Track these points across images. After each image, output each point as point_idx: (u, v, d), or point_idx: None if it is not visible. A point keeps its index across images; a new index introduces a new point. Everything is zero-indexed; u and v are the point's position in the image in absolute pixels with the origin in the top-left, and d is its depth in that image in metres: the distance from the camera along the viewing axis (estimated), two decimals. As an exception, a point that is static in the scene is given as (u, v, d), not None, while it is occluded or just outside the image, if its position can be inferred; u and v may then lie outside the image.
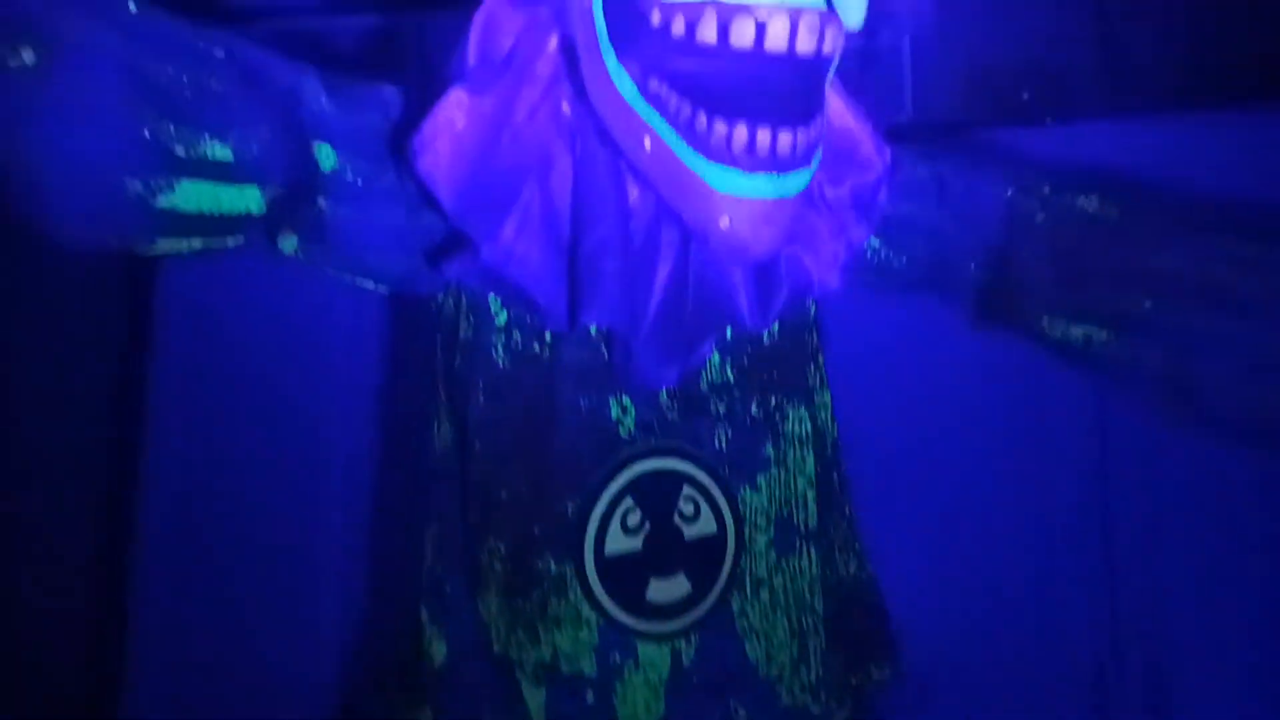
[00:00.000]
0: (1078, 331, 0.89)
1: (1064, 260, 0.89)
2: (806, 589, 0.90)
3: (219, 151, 0.69)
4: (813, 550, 0.90)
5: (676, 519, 0.85)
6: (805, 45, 0.69)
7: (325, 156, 0.76)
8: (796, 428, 0.91)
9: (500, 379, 0.86)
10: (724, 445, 0.87)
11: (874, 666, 1.00)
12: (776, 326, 0.90)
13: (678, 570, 0.85)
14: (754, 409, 0.89)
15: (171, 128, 0.66)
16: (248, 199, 0.71)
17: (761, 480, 0.88)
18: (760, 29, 0.69)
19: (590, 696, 0.84)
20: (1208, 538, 1.39)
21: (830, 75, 0.76)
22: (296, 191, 0.75)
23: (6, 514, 1.49)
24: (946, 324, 1.00)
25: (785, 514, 0.89)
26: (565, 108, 0.81)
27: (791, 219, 0.77)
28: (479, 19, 0.79)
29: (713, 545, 0.86)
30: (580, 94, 0.80)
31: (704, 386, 0.88)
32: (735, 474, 0.87)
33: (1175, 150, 1.49)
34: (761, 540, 0.88)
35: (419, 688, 0.91)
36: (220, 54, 0.70)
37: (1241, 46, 1.61)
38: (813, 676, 0.90)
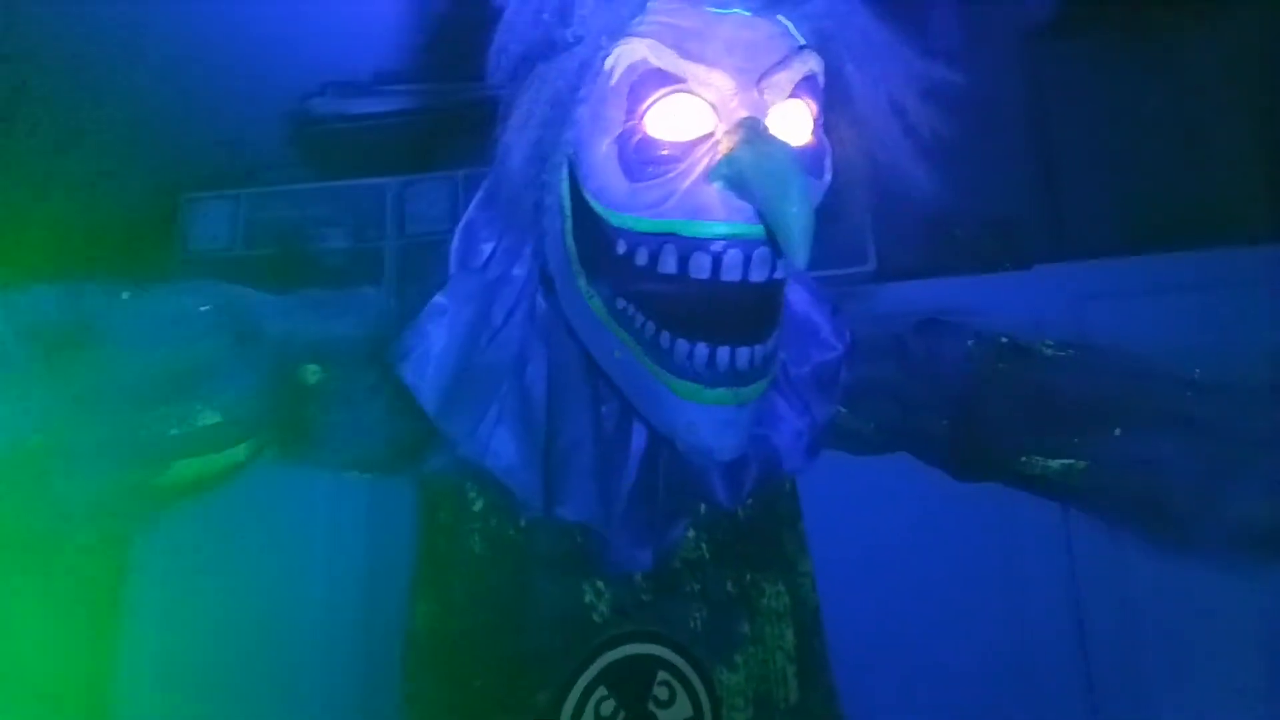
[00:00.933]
0: (1056, 465, 0.90)
1: (1033, 402, 0.92)
2: None
3: (209, 418, 0.76)
4: None
5: (651, 705, 0.85)
6: (757, 275, 0.74)
7: (311, 374, 0.82)
8: (774, 602, 0.91)
9: (477, 563, 0.88)
10: (699, 625, 0.88)
11: None
12: (751, 501, 0.92)
13: None
14: (729, 585, 0.90)
15: (164, 410, 0.74)
16: (236, 454, 0.79)
17: (738, 659, 0.88)
18: (716, 262, 0.74)
19: None
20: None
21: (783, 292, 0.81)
22: (279, 417, 0.80)
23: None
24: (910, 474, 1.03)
25: (764, 691, 0.89)
26: (540, 303, 0.86)
27: (752, 420, 0.80)
28: (461, 229, 0.85)
29: None
30: (552, 292, 0.85)
31: (679, 565, 0.89)
32: (711, 654, 0.88)
33: (1122, 291, 1.57)
34: None
35: None
36: (207, 308, 0.77)
37: (1180, 194, 1.71)
38: None
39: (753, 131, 0.72)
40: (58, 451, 0.69)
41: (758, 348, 0.76)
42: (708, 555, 0.90)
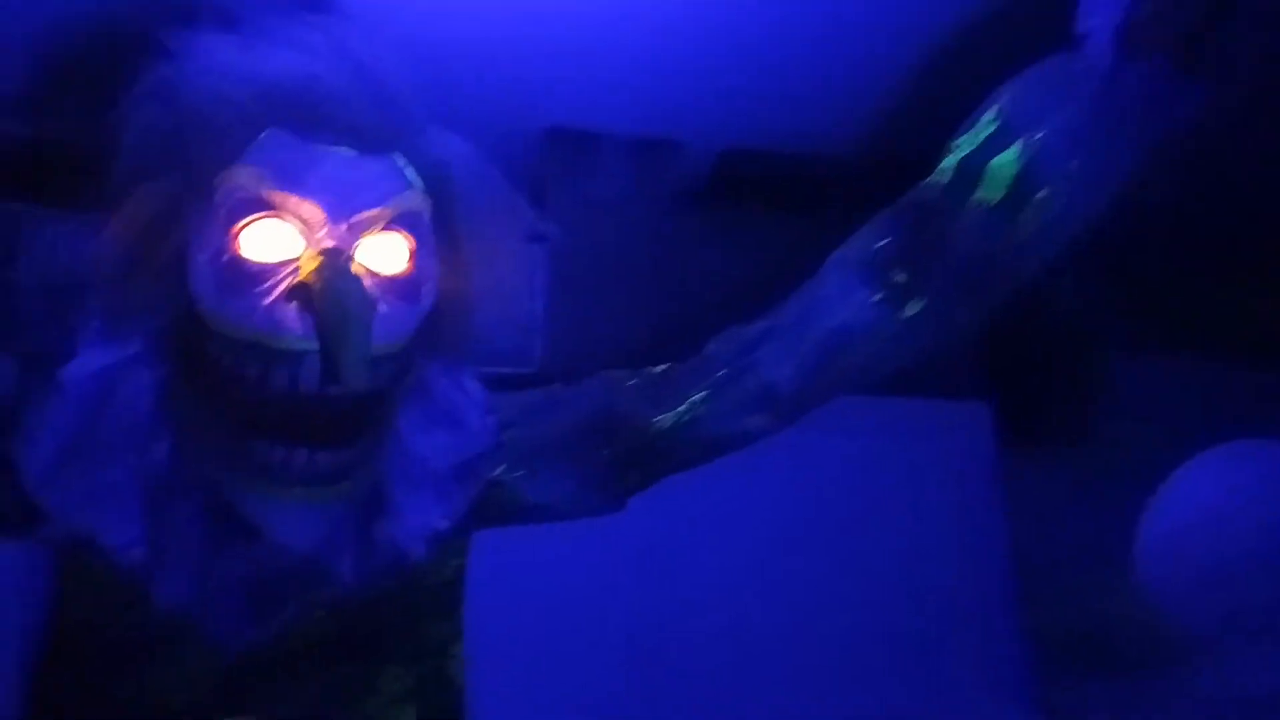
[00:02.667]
0: (683, 408, 1.03)
1: (664, 384, 1.05)
2: None
3: None
4: None
5: None
6: (336, 389, 0.82)
7: None
8: (394, 684, 0.96)
9: (69, 644, 0.90)
10: (311, 705, 0.91)
11: None
12: (383, 587, 0.96)
13: None
14: (347, 667, 0.94)
15: None
16: None
17: None
18: (293, 374, 0.81)
19: None
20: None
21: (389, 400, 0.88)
22: None
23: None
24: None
25: None
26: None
27: (337, 518, 0.87)
28: (89, 301, 0.87)
29: None
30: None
31: (300, 645, 0.92)
32: None
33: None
34: None
35: None
36: None
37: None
38: None
39: (330, 262, 0.81)
40: None
41: (344, 451, 0.84)
42: (333, 637, 0.94)
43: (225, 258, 0.82)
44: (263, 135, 0.83)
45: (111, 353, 0.86)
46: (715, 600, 1.66)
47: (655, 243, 1.81)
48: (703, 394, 1.04)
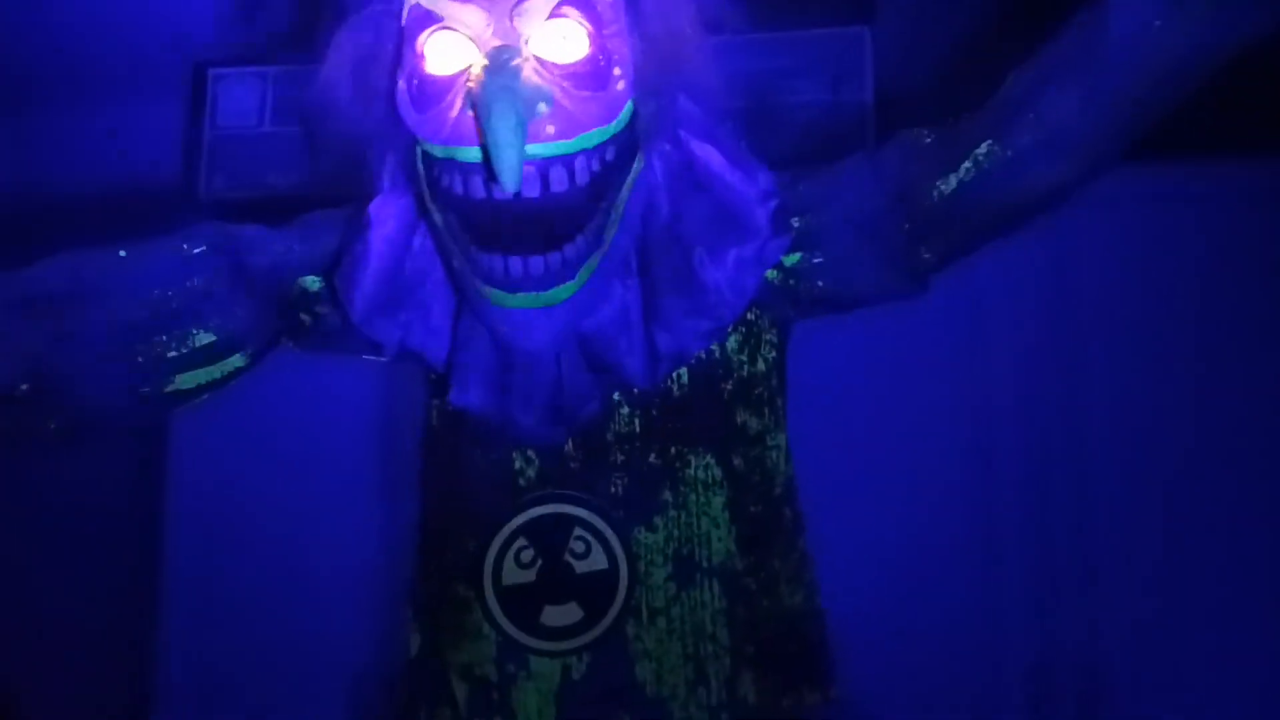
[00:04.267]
0: (967, 164, 0.93)
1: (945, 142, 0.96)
2: (708, 619, 0.99)
3: (204, 339, 0.95)
4: (715, 584, 0.99)
5: (567, 556, 0.97)
6: (529, 191, 0.83)
7: (312, 283, 1.00)
8: (701, 473, 1.00)
9: (433, 436, 1.04)
10: (620, 490, 0.99)
11: (807, 690, 1.06)
12: (687, 381, 1.00)
13: (569, 599, 0.97)
14: (653, 457, 1.00)
15: (162, 338, 0.94)
16: (234, 364, 0.98)
17: (659, 521, 0.99)
18: (487, 182, 0.83)
19: (495, 696, 0.99)
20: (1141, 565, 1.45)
21: (599, 196, 0.88)
22: (287, 323, 1.00)
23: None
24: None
25: (686, 552, 0.99)
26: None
27: (571, 316, 0.89)
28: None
29: (604, 578, 0.97)
30: None
31: (610, 438, 1.00)
32: (630, 516, 0.99)
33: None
34: (659, 575, 0.99)
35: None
36: (201, 249, 0.96)
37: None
38: (713, 699, 0.99)
39: (493, 61, 0.81)
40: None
41: (552, 255, 0.85)
42: (637, 430, 1.00)
43: (415, 79, 0.86)
44: None
45: (400, 191, 0.96)
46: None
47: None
48: (986, 145, 0.93)
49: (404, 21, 0.87)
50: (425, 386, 1.05)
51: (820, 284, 1.01)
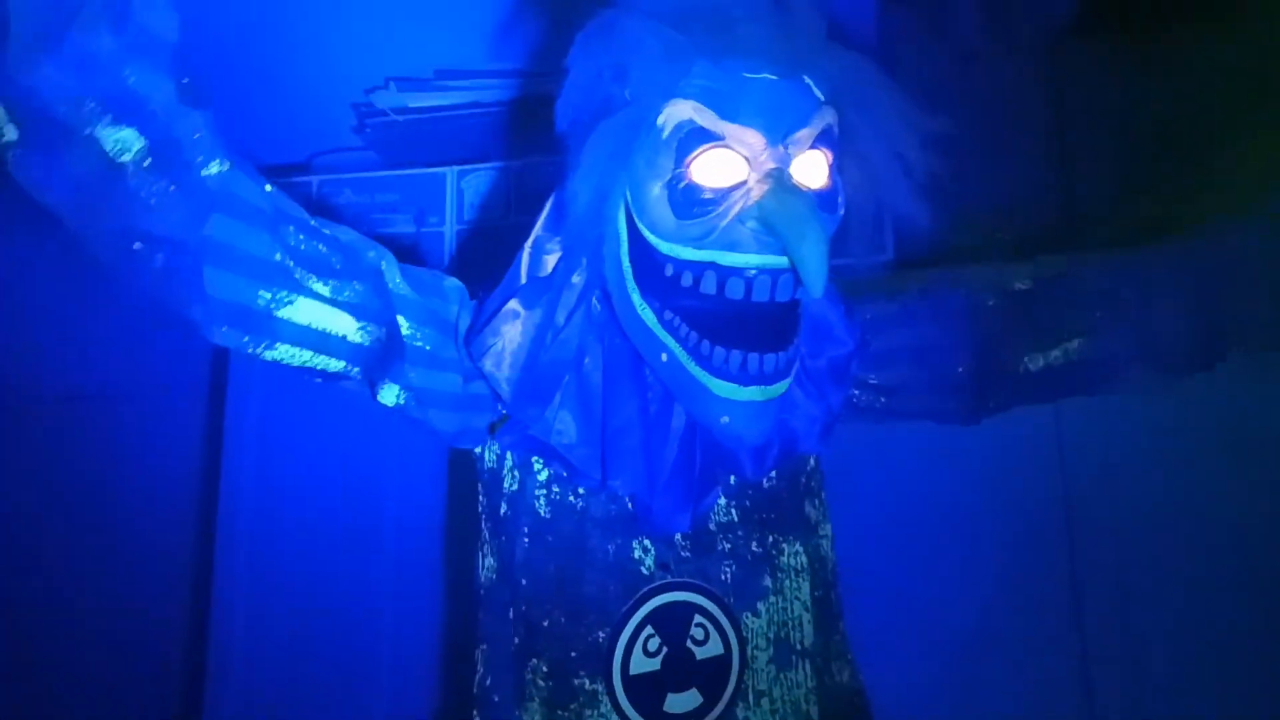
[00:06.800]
0: (1057, 352, 1.08)
1: (1034, 315, 1.09)
2: (803, 698, 1.05)
3: (322, 287, 0.90)
4: (808, 665, 1.05)
5: (689, 643, 1.01)
6: (782, 296, 0.91)
7: (403, 324, 0.96)
8: (792, 560, 1.07)
9: (542, 525, 1.05)
10: (729, 578, 1.04)
11: None
12: (774, 474, 1.08)
13: (691, 686, 1.01)
14: (754, 545, 1.06)
15: (292, 261, 0.88)
16: (346, 325, 0.92)
17: (761, 606, 1.05)
18: (748, 286, 0.90)
19: None
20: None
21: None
22: (388, 349, 0.95)
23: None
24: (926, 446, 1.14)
25: (783, 635, 1.05)
26: (595, 304, 1.02)
27: (777, 412, 0.96)
28: (529, 245, 1.01)
29: (720, 664, 1.02)
30: (606, 297, 1.01)
31: (713, 527, 1.05)
32: (739, 602, 1.04)
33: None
34: (762, 658, 1.04)
35: None
36: (319, 225, 0.93)
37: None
38: None
39: (779, 182, 0.89)
40: None
41: (781, 354, 0.93)
42: (737, 519, 1.06)
43: (682, 186, 0.91)
44: (694, 67, 0.90)
45: (555, 279, 1.00)
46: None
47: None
48: (1079, 340, 1.05)
49: (664, 136, 0.91)
50: (522, 475, 1.06)
51: (883, 400, 1.13)
